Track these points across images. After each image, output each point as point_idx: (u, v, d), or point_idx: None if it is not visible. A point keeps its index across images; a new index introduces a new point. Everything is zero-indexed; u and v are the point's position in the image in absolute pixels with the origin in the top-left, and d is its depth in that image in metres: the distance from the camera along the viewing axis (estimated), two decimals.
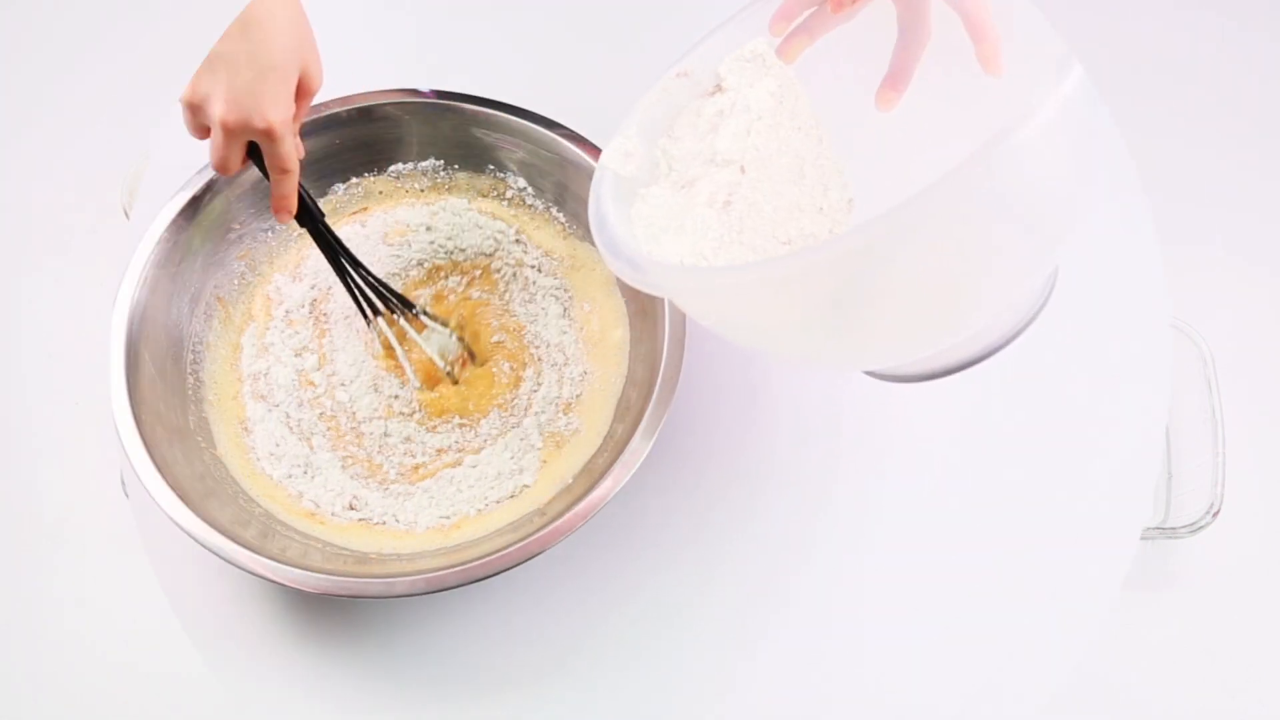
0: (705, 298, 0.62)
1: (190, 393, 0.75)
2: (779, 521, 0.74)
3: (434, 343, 0.76)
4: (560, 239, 0.81)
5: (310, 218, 0.71)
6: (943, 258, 0.56)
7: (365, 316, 0.75)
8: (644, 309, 0.75)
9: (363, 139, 0.80)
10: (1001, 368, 0.65)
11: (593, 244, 0.79)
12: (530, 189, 0.82)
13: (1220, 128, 0.89)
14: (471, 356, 0.77)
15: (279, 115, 0.62)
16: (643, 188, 0.68)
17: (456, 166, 0.82)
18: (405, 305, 0.76)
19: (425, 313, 0.77)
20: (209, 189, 0.76)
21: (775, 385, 0.78)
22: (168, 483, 0.66)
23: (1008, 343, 0.63)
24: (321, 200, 0.81)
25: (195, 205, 0.75)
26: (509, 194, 0.82)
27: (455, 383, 0.76)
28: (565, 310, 0.78)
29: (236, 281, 0.79)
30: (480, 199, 0.82)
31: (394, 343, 0.75)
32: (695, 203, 0.65)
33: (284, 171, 0.66)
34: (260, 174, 0.67)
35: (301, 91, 0.65)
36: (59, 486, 0.74)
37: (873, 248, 0.52)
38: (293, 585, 0.64)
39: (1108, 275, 0.81)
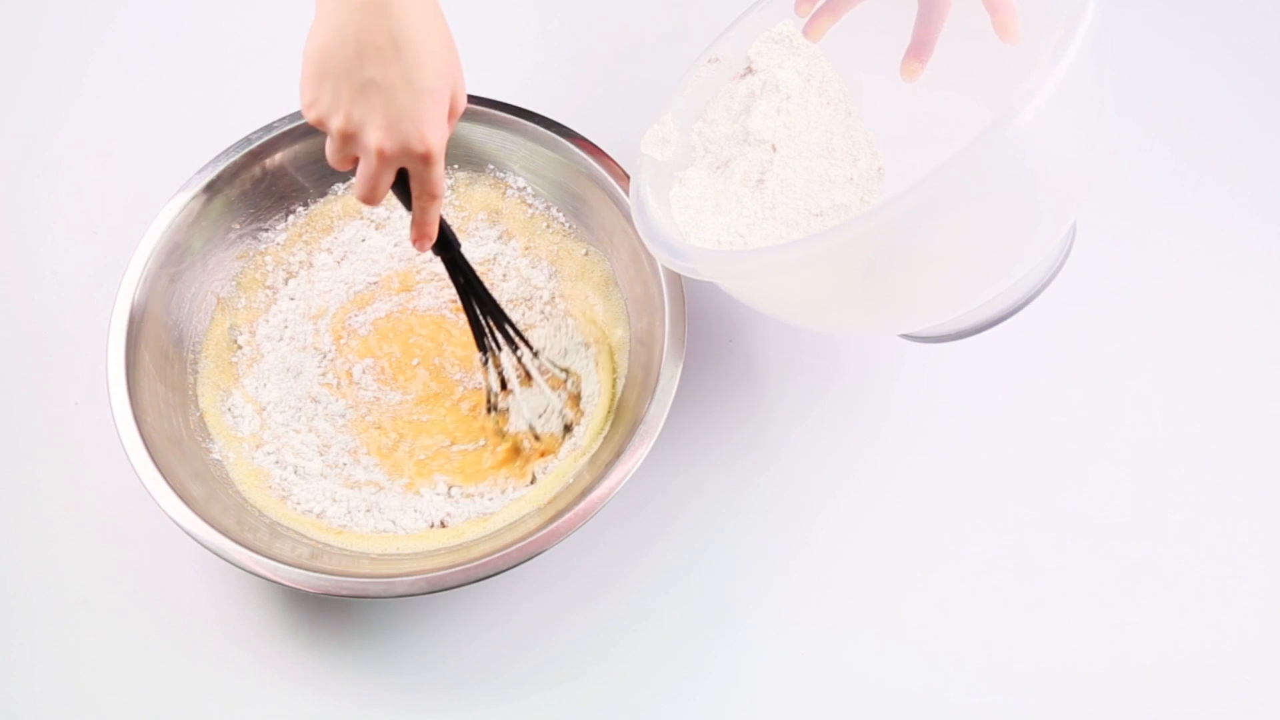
0: (742, 278, 0.64)
1: (190, 393, 0.75)
2: (781, 521, 0.74)
3: (534, 401, 0.73)
4: (560, 238, 0.81)
5: (447, 246, 0.68)
6: (965, 225, 0.59)
7: (484, 350, 0.73)
8: (643, 308, 0.75)
9: None
10: (1029, 322, 0.68)
11: (592, 243, 0.80)
12: (530, 189, 0.82)
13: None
14: (568, 429, 0.74)
15: (438, 138, 0.59)
16: (680, 171, 0.70)
17: (456, 166, 0.82)
18: (525, 344, 0.74)
19: (541, 357, 0.75)
20: (209, 189, 0.76)
21: (776, 382, 0.78)
22: (168, 483, 0.66)
23: (1033, 298, 0.66)
24: (323, 201, 0.81)
25: (195, 205, 0.75)
26: (509, 194, 0.82)
27: (537, 439, 0.74)
28: (564, 310, 0.79)
29: (236, 281, 0.79)
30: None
31: (511, 381, 0.73)
32: (731, 183, 0.68)
33: (434, 198, 0.62)
34: (400, 200, 0.64)
35: (450, 113, 0.61)
36: (59, 487, 0.74)
37: (895, 223, 0.54)
38: (293, 585, 0.64)
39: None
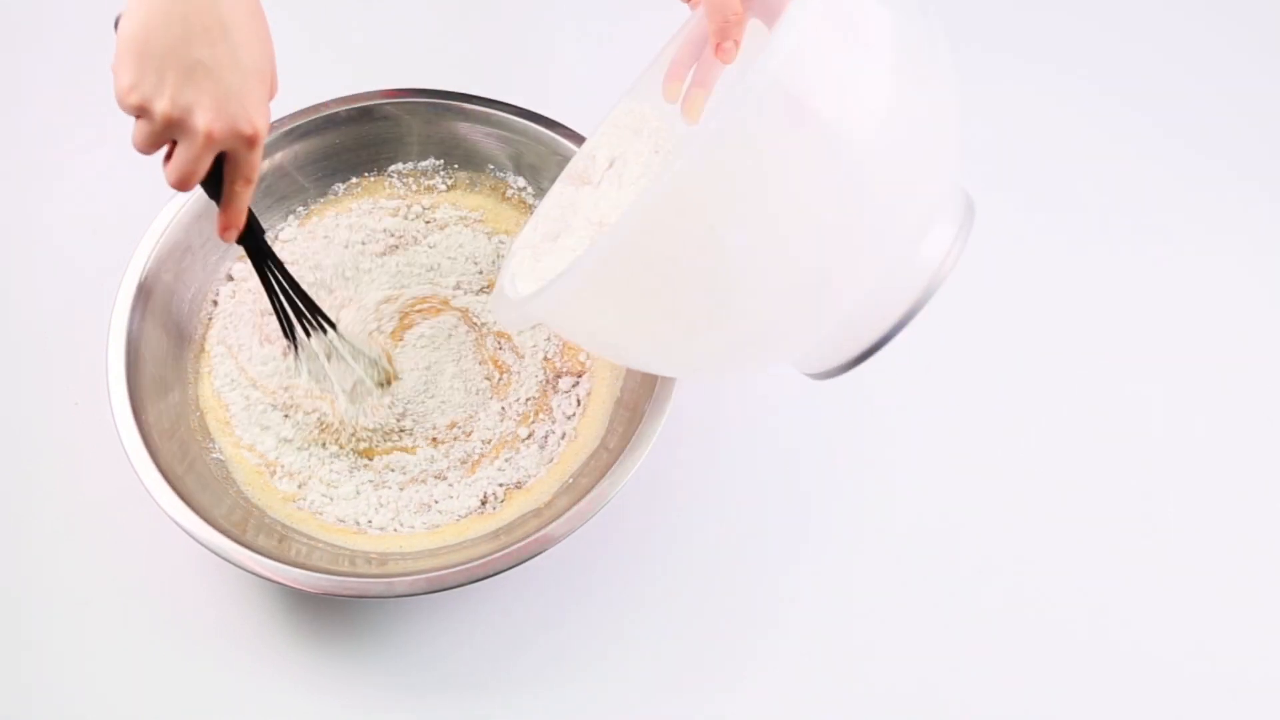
0: (554, 317, 0.59)
1: (190, 393, 0.74)
2: (782, 518, 0.74)
3: (361, 361, 0.74)
4: None
5: (253, 235, 0.67)
6: (711, 229, 0.52)
7: (293, 340, 0.72)
8: None
9: (363, 139, 0.80)
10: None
11: None
12: (530, 188, 0.82)
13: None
14: (387, 382, 0.75)
15: (263, 120, 0.59)
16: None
17: (456, 166, 0.82)
18: (331, 326, 0.73)
19: (341, 337, 0.74)
20: None
21: (782, 376, 0.78)
22: (168, 483, 0.66)
23: (913, 315, 0.55)
24: (322, 200, 0.81)
25: (196, 205, 0.75)
26: (509, 194, 0.82)
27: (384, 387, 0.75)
28: None
29: (236, 282, 0.79)
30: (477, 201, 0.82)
31: (324, 362, 0.73)
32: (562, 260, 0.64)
33: (249, 182, 0.62)
34: (207, 190, 0.63)
35: (269, 95, 0.61)
36: (59, 487, 0.74)
37: (650, 220, 0.50)
38: (294, 585, 0.64)
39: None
